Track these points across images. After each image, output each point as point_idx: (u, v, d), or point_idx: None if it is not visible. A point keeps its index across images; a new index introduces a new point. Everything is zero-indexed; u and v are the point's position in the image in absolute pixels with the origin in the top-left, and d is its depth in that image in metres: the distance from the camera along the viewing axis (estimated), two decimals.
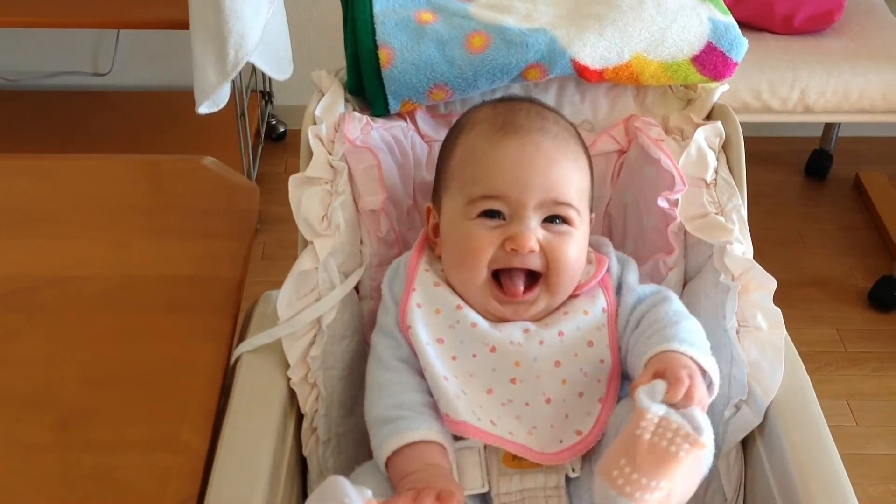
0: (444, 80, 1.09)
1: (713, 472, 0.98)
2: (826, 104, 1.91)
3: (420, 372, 0.95)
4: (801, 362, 1.03)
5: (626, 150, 1.12)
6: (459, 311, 0.97)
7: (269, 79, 2.47)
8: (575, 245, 0.97)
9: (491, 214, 0.96)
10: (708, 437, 0.79)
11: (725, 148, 1.09)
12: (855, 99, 1.90)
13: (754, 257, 1.02)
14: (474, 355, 0.95)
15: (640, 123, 1.11)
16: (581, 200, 0.99)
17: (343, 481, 0.81)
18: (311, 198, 1.02)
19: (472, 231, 0.96)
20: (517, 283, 0.96)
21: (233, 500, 0.87)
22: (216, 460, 0.90)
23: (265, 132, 2.53)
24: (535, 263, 0.96)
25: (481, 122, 1.00)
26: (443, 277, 1.00)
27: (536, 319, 0.97)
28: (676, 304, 0.96)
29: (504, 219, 0.96)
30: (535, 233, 0.95)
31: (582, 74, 1.11)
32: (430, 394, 0.94)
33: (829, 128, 2.53)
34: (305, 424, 0.99)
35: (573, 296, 0.98)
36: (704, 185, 1.06)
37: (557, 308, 0.98)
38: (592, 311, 0.97)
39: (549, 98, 1.15)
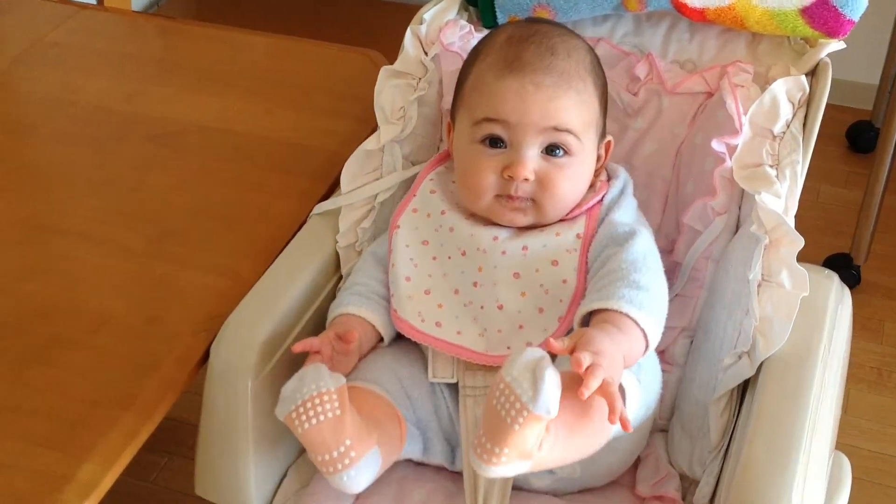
0: (547, 1, 1.15)
1: (706, 415, 1.00)
2: None
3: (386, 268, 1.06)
4: (825, 329, 1.00)
5: (714, 93, 1.12)
6: (443, 216, 1.05)
7: None
8: (570, 176, 1.01)
9: (493, 142, 1.01)
10: (547, 410, 0.78)
11: (808, 103, 1.06)
12: None
13: None
14: (449, 257, 1.04)
15: (732, 68, 1.10)
16: (585, 129, 1.01)
17: (322, 368, 0.91)
18: (392, 88, 1.14)
19: (475, 156, 1.02)
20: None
21: (250, 319, 1.02)
22: (252, 288, 1.06)
23: None
24: (528, 192, 1.00)
25: (494, 53, 1.03)
26: (441, 186, 1.08)
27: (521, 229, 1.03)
28: (636, 248, 0.96)
29: (505, 146, 1.01)
30: (532, 162, 1.00)
31: (681, 10, 1.11)
32: (386, 287, 1.05)
33: None
34: (342, 284, 1.12)
35: (561, 219, 1.03)
36: (770, 137, 1.04)
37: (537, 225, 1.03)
38: (566, 234, 1.01)
39: (659, 33, 1.17)
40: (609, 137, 1.08)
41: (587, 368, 0.81)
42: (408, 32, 1.16)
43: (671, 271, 1.12)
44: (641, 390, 0.92)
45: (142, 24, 1.56)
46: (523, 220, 1.02)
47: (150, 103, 1.35)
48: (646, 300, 0.91)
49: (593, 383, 0.80)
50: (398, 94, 1.14)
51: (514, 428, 0.79)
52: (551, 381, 0.79)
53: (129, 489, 1.60)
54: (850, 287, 1.21)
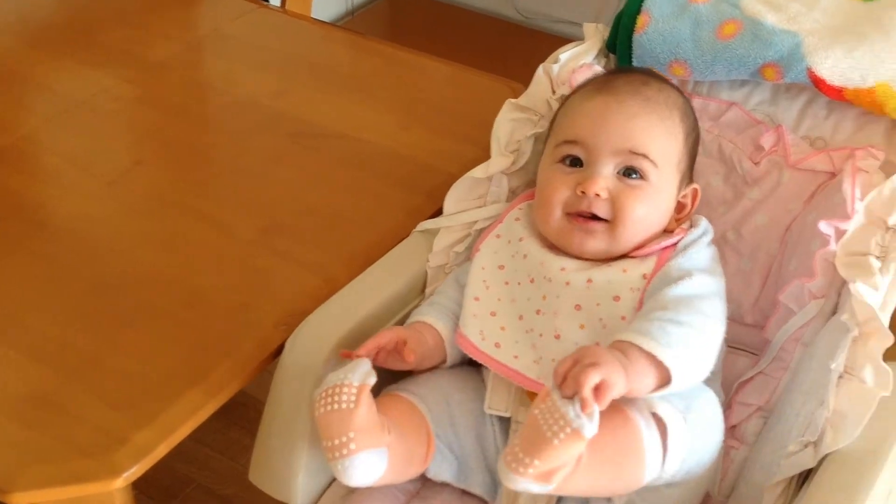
0: (685, 58, 1.13)
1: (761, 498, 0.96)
2: None
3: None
4: None
5: (837, 174, 1.07)
6: (521, 242, 1.06)
7: None
8: (645, 200, 1.00)
9: (572, 162, 1.03)
10: (589, 431, 0.81)
11: None
12: None
13: None
14: (519, 283, 1.04)
15: (861, 151, 1.05)
16: (664, 159, 1.01)
17: (363, 363, 0.95)
18: (510, 122, 1.15)
19: (552, 174, 1.04)
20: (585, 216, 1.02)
21: (328, 321, 1.05)
22: (338, 292, 1.09)
23: None
24: (601, 210, 1.00)
25: (587, 84, 1.07)
26: (527, 215, 1.09)
27: (590, 259, 1.02)
28: (683, 288, 0.94)
29: (582, 166, 1.02)
30: (605, 180, 1.00)
31: (818, 86, 1.07)
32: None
33: None
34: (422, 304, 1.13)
35: (628, 255, 1.01)
36: (884, 228, 0.99)
37: (607, 259, 1.01)
38: (632, 272, 0.99)
39: (795, 106, 1.13)
40: (695, 185, 1.07)
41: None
42: (539, 70, 1.17)
43: (760, 348, 1.08)
44: (689, 432, 0.90)
45: (308, 28, 1.63)
46: (593, 244, 1.01)
47: (296, 103, 1.41)
48: (666, 334, 0.89)
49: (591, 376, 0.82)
50: (517, 128, 1.15)
51: (554, 442, 0.81)
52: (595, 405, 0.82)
53: (223, 467, 1.66)
54: None
